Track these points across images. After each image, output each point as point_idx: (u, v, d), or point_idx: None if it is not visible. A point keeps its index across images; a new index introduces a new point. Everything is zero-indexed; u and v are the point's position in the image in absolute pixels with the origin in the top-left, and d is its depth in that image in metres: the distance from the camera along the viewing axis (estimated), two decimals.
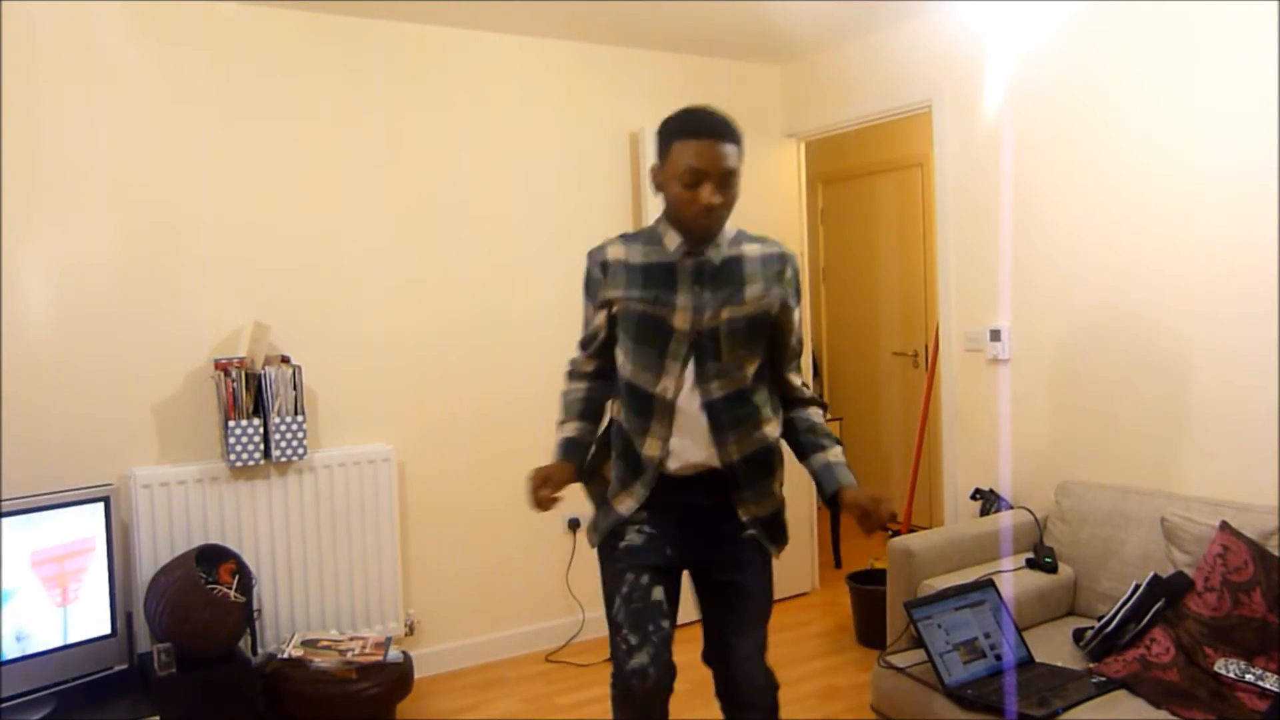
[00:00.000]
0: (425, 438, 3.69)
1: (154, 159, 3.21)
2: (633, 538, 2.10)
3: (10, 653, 2.70)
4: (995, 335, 3.55)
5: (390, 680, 3.05)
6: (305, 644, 3.14)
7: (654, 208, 4.01)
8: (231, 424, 3.14)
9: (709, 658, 2.19)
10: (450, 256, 3.73)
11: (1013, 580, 2.87)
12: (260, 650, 3.25)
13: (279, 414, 3.21)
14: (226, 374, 3.16)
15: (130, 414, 3.18)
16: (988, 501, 3.48)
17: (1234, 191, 2.82)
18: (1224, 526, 2.58)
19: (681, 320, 2.02)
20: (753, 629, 2.13)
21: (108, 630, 2.88)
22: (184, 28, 3.24)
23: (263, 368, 3.21)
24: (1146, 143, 3.04)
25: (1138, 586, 2.59)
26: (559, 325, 3.95)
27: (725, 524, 2.13)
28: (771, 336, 2.14)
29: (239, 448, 3.15)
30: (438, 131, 3.70)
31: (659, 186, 2.05)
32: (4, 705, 2.68)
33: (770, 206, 4.36)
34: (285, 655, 3.06)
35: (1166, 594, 2.56)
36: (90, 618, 2.85)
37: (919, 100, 3.83)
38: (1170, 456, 3.02)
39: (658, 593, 2.07)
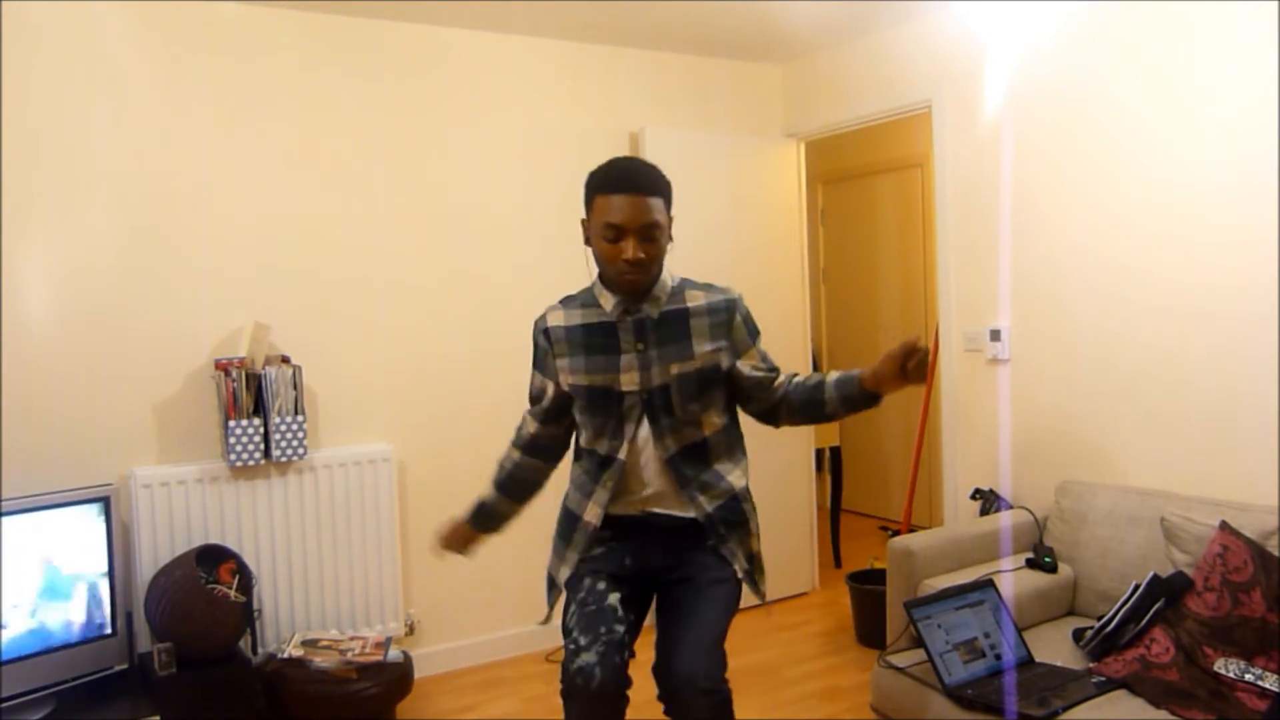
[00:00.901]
0: (425, 437, 3.69)
1: (154, 159, 3.21)
2: (594, 549, 2.09)
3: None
4: (995, 335, 3.55)
5: (390, 680, 3.05)
6: (305, 644, 3.14)
7: None
8: (231, 424, 3.14)
9: (655, 665, 1.98)
10: (450, 256, 3.73)
11: (1013, 580, 2.87)
12: (260, 650, 3.25)
13: (279, 414, 3.21)
14: (226, 374, 3.16)
15: (130, 414, 3.18)
16: (988, 501, 3.48)
17: (1234, 191, 2.82)
18: (1224, 526, 2.58)
19: (629, 381, 1.98)
20: (701, 626, 1.94)
21: (108, 630, 2.88)
22: (184, 28, 3.24)
23: (263, 368, 3.21)
24: (1146, 143, 3.04)
25: (1137, 586, 2.59)
26: None
27: (690, 537, 2.09)
28: (739, 379, 2.06)
29: (239, 448, 3.15)
30: (438, 131, 3.70)
31: (587, 241, 2.00)
32: (4, 705, 2.68)
33: (770, 206, 4.36)
34: (285, 655, 3.06)
35: (1166, 594, 2.56)
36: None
37: (919, 100, 3.83)
38: (1170, 456, 3.02)
39: (613, 598, 2.00)
